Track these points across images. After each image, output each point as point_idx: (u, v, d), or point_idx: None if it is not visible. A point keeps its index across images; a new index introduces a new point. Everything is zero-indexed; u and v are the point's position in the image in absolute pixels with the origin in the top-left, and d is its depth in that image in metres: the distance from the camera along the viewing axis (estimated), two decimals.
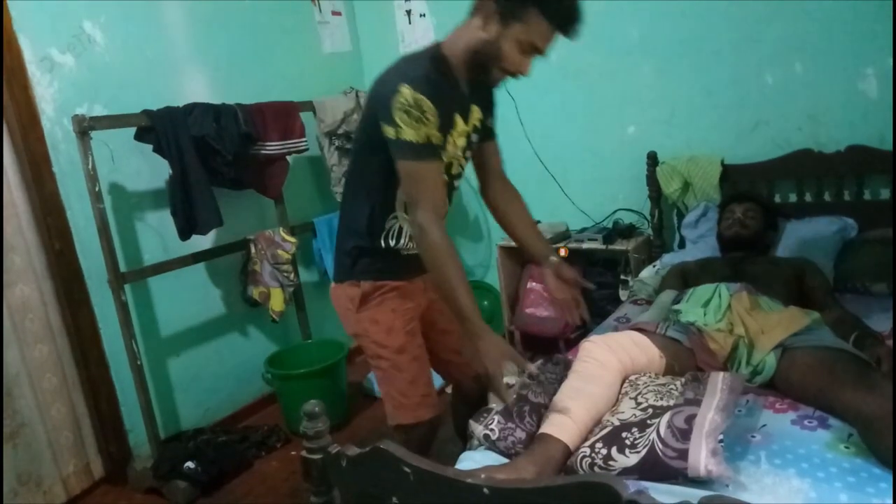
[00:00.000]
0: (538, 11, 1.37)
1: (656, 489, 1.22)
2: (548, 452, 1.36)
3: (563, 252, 1.80)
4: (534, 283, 3.14)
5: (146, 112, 2.44)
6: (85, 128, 2.26)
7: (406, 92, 1.37)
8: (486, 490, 0.94)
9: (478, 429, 1.52)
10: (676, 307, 1.93)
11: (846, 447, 1.32)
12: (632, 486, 1.21)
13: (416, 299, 1.71)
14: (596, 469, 1.31)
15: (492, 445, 1.49)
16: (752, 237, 2.22)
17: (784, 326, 1.69)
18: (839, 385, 1.44)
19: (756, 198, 2.36)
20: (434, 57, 1.49)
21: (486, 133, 1.71)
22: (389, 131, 1.40)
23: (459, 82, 1.54)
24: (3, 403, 2.28)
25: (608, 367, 1.55)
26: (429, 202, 1.43)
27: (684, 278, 2.20)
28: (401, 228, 1.62)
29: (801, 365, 1.57)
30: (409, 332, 1.67)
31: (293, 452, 2.67)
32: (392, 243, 1.62)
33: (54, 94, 2.36)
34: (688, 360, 1.69)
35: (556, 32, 1.41)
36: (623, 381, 1.59)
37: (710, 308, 1.84)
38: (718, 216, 2.39)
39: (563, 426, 1.40)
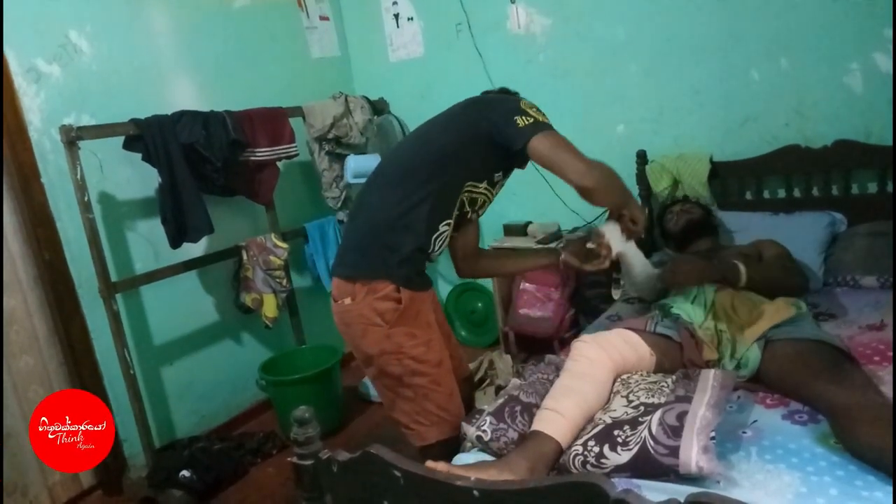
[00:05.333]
0: None
1: (648, 487, 1.23)
2: (540, 449, 1.36)
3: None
4: (527, 284, 3.14)
5: (134, 121, 2.44)
6: (73, 138, 2.26)
7: (526, 101, 1.63)
8: (475, 492, 0.94)
9: (470, 430, 1.52)
10: (665, 301, 1.94)
11: (836, 441, 1.32)
12: (623, 484, 1.22)
13: (432, 310, 1.72)
14: (588, 467, 1.30)
15: (484, 447, 1.49)
16: (700, 218, 2.37)
17: (768, 318, 1.70)
18: (812, 377, 1.46)
19: (686, 199, 2.58)
20: None
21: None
22: (521, 121, 1.55)
23: None
24: (2, 407, 2.29)
25: (599, 365, 1.55)
26: (581, 153, 1.56)
27: None
28: (445, 235, 1.67)
29: (780, 357, 1.59)
30: (442, 344, 1.68)
31: (289, 459, 2.64)
32: (437, 247, 1.66)
33: (41, 105, 2.36)
34: (678, 356, 1.70)
35: None
36: (615, 379, 1.58)
37: (696, 303, 1.85)
38: (661, 228, 2.52)
39: (554, 423, 1.40)
